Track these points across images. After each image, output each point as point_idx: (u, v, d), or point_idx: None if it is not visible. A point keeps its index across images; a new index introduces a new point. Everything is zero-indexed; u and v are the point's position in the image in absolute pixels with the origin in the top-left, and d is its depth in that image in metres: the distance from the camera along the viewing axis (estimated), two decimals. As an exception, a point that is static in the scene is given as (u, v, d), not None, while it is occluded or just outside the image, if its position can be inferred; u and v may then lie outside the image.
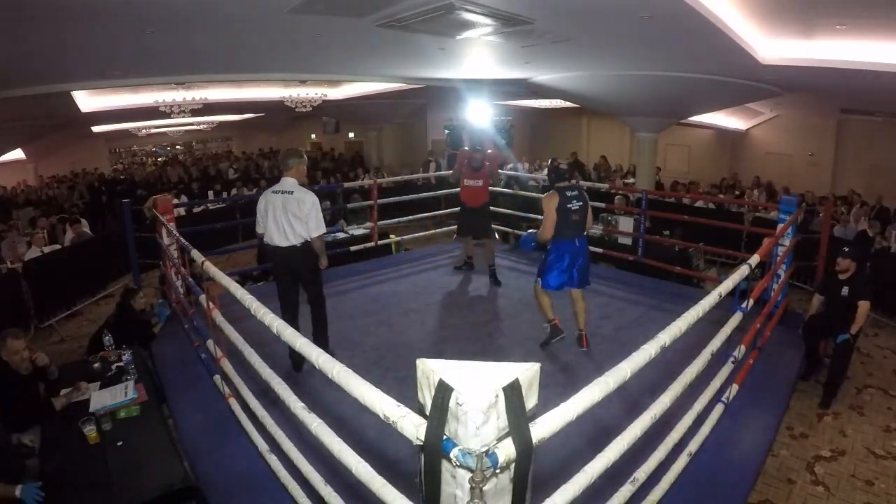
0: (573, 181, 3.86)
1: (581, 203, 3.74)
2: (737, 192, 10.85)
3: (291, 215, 3.37)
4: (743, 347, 2.93)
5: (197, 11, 3.94)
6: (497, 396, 1.11)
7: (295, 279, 3.61)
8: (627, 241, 6.48)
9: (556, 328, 4.02)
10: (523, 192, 7.58)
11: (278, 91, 10.94)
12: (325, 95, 11.58)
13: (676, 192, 9.98)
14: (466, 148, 5.26)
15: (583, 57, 6.55)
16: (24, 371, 3.15)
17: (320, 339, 3.66)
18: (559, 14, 4.24)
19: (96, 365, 3.54)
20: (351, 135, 17.86)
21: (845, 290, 4.02)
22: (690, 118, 11.12)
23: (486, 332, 4.36)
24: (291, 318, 3.59)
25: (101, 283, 7.15)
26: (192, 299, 4.04)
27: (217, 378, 3.10)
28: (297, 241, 3.41)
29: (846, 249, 4.13)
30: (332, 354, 1.60)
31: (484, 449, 1.09)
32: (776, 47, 5.40)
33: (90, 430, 2.73)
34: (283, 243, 3.41)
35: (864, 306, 3.92)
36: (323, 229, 3.46)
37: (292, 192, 3.38)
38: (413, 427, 1.18)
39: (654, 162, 10.25)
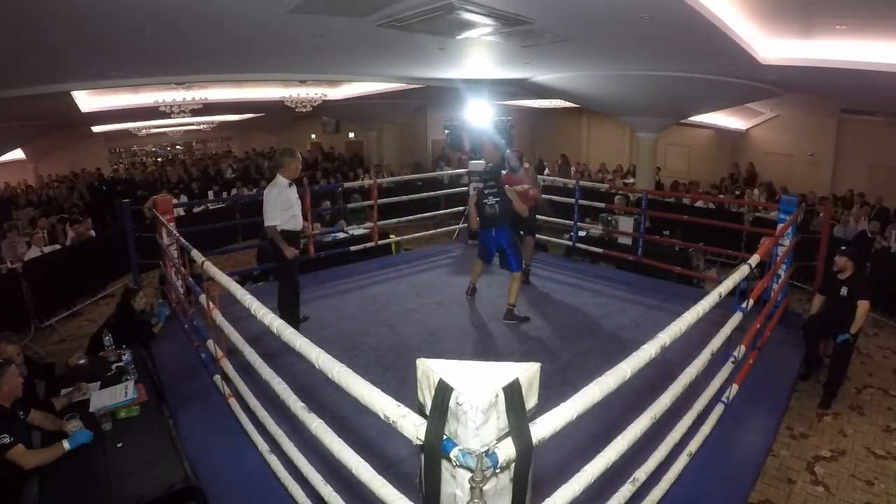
0: (493, 183, 4.57)
1: (497, 199, 4.48)
2: (737, 193, 10.86)
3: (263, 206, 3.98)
4: (743, 347, 2.93)
5: (197, 12, 3.94)
6: (497, 396, 1.11)
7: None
8: (627, 241, 6.48)
9: (469, 290, 5.03)
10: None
11: (278, 91, 10.93)
12: (325, 95, 11.57)
13: (676, 192, 9.98)
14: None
15: (583, 57, 6.55)
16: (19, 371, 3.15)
17: (279, 310, 4.11)
18: (559, 14, 4.24)
19: (82, 362, 3.58)
20: (351, 135, 17.85)
21: (844, 291, 4.02)
22: (690, 118, 11.11)
23: (486, 332, 4.36)
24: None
25: (101, 283, 7.14)
26: (192, 299, 4.04)
27: (217, 378, 3.10)
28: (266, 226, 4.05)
29: (843, 248, 4.14)
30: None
31: (484, 449, 1.09)
32: (776, 47, 5.40)
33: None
34: None
35: (863, 306, 3.92)
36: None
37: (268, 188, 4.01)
38: (413, 427, 1.18)
39: (654, 162, 10.24)
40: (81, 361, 3.60)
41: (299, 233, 4.25)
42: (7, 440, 2.43)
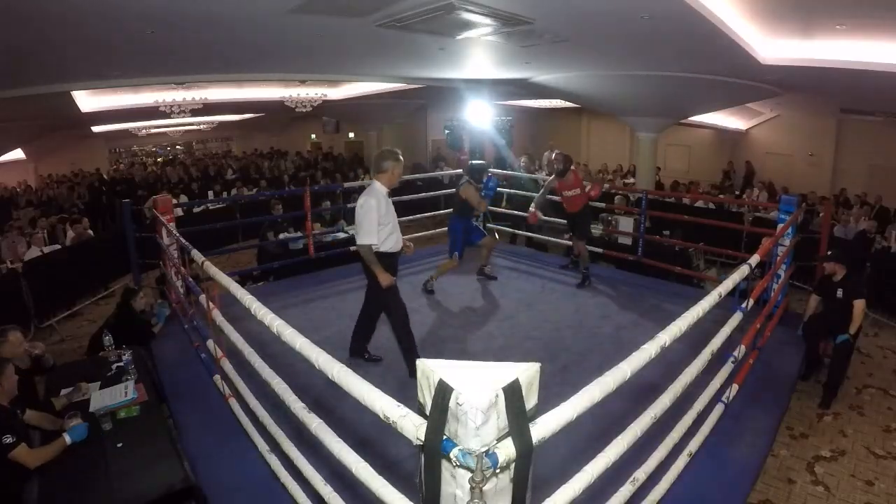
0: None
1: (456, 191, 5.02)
2: (736, 193, 10.86)
3: (356, 219, 3.30)
4: (743, 347, 2.93)
5: (197, 12, 3.94)
6: (497, 396, 1.11)
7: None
8: (627, 240, 6.48)
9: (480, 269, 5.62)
10: (521, 192, 7.50)
11: (278, 91, 10.94)
12: (325, 95, 11.58)
13: (676, 192, 9.98)
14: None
15: (583, 57, 6.55)
16: (22, 365, 3.17)
17: (401, 346, 3.58)
18: (559, 14, 4.24)
19: (33, 350, 3.45)
20: (351, 135, 17.87)
21: (840, 293, 4.03)
22: (690, 118, 11.12)
23: (486, 332, 4.36)
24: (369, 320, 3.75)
25: (101, 283, 7.14)
26: (192, 299, 4.04)
27: (217, 378, 3.10)
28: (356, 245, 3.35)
29: (829, 253, 4.15)
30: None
31: (484, 449, 1.09)
32: (776, 47, 5.40)
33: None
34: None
35: (858, 305, 3.92)
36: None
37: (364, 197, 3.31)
38: (413, 427, 1.18)
39: (654, 162, 10.25)
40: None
41: (398, 254, 3.46)
42: (10, 440, 2.42)
